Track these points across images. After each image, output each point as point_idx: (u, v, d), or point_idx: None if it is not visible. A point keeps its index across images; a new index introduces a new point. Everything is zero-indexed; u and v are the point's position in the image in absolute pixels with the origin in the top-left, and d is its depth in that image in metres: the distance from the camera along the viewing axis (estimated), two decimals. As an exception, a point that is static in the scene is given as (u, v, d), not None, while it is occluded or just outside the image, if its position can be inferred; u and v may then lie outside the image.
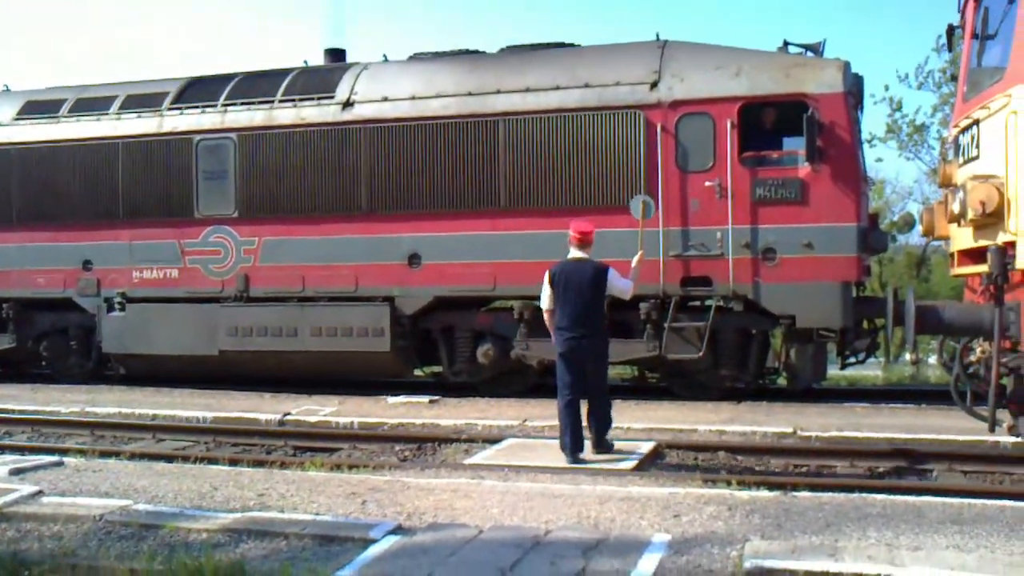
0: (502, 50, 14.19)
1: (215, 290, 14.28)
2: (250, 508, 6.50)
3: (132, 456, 9.91)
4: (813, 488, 7.73)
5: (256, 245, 14.06)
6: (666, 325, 12.31)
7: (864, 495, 6.93)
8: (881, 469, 9.18)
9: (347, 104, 13.73)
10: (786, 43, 12.93)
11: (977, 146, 7.59)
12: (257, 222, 14.05)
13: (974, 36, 8.21)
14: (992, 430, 7.34)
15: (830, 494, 7.01)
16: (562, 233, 12.45)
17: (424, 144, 13.27)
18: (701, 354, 12.22)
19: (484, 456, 9.03)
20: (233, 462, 9.43)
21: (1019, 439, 8.40)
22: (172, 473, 7.98)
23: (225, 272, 14.23)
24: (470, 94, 13.22)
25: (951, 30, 9.14)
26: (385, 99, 13.57)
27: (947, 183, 8.23)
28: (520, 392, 13.49)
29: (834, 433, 10.07)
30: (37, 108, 15.65)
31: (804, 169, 11.90)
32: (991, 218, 7.03)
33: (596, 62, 13.08)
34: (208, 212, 14.28)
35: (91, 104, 15.33)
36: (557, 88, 12.89)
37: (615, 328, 12.76)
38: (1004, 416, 8.15)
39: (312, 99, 13.97)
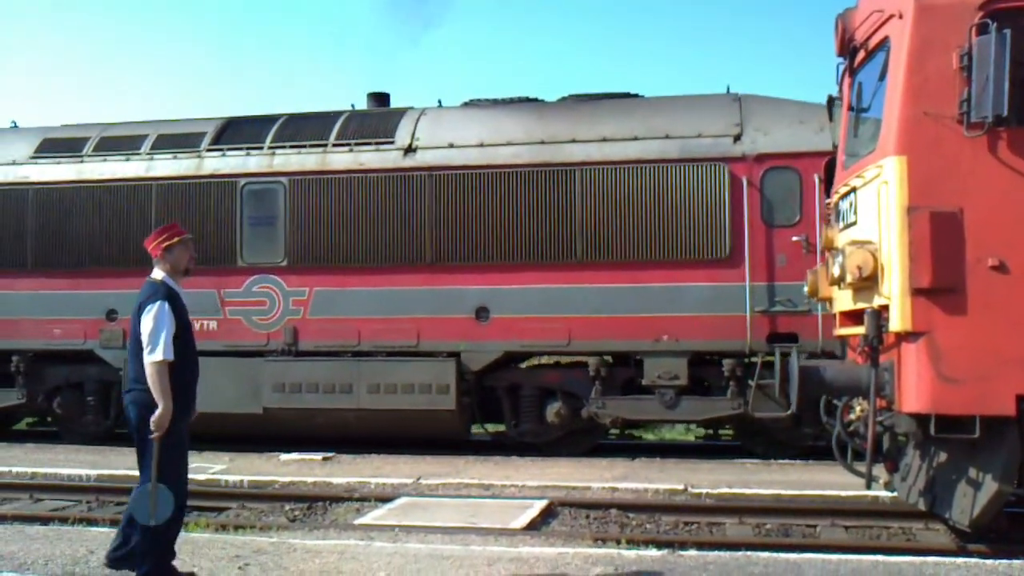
0: (564, 99, 13.86)
1: (259, 343, 13.38)
2: (126, 574, 6.14)
3: (3, 519, 9.22)
4: (700, 546, 7.95)
5: (307, 296, 13.26)
6: (751, 383, 12.01)
7: (748, 553, 7.11)
8: (768, 525, 9.16)
9: (409, 149, 13.17)
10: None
11: (855, 212, 7.89)
12: (308, 271, 13.25)
13: (850, 108, 8.46)
14: (868, 486, 7.58)
15: (715, 553, 7.20)
16: (641, 287, 12.43)
17: (493, 192, 12.78)
18: (788, 412, 11.94)
19: (375, 516, 8.97)
20: (115, 523, 8.88)
21: (895, 494, 8.66)
22: (46, 537, 7.61)
23: (271, 324, 13.36)
24: (543, 143, 12.81)
25: (831, 101, 9.43)
26: (451, 145, 13.05)
27: (829, 247, 8.51)
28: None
29: (724, 490, 10.10)
30: (56, 146, 14.59)
31: (894, 225, 11.81)
32: (867, 282, 7.23)
33: (674, 113, 12.85)
34: (253, 260, 13.43)
35: (118, 143, 14.37)
36: (635, 139, 12.59)
37: (695, 385, 12.51)
38: (881, 472, 8.30)
39: (370, 143, 13.34)
